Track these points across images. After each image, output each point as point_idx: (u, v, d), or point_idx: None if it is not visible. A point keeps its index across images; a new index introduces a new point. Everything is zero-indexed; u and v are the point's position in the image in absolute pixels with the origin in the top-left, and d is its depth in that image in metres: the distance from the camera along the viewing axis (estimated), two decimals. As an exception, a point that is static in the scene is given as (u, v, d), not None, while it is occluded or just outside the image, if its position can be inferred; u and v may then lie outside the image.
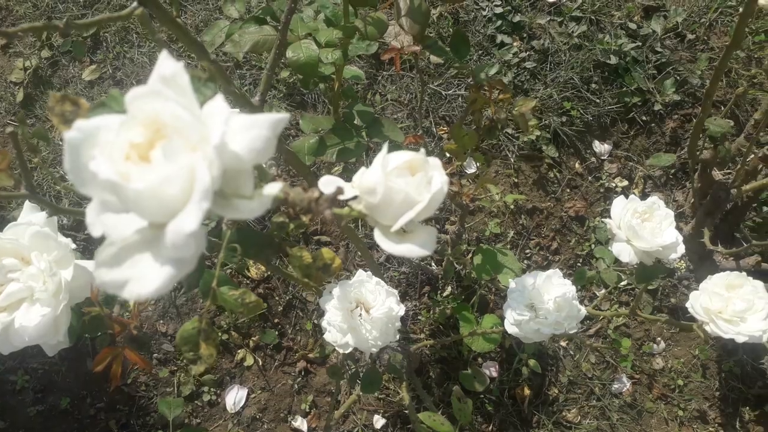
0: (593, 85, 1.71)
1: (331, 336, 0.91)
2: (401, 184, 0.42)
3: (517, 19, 1.75)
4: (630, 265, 1.43)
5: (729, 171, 1.49)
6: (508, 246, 1.59)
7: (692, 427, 1.50)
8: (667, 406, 1.52)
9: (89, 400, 1.43)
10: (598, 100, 1.70)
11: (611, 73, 1.72)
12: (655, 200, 0.93)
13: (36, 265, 0.62)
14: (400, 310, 0.92)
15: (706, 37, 1.77)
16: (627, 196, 0.95)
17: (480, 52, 1.73)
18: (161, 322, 1.48)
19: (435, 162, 0.44)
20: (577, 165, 1.69)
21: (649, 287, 1.56)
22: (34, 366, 1.44)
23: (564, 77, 1.70)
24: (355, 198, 0.45)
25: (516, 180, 1.65)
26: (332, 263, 0.56)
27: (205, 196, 0.29)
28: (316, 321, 1.51)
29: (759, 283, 0.87)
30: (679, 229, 0.93)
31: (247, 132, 0.33)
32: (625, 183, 1.69)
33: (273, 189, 0.34)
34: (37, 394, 1.42)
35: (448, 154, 1.04)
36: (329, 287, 0.94)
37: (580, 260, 1.62)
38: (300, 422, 1.44)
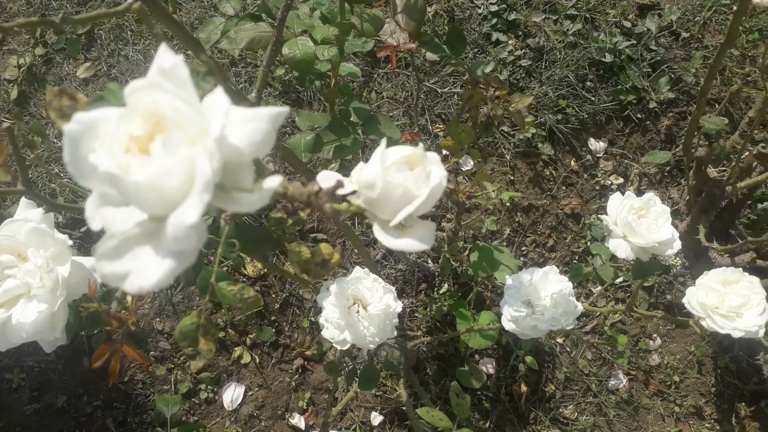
0: (588, 83, 1.71)
1: (328, 333, 0.91)
2: (400, 179, 0.42)
3: (512, 17, 1.76)
4: (626, 262, 1.44)
5: (724, 168, 1.50)
6: (505, 243, 1.59)
7: (688, 423, 1.51)
8: (664, 402, 1.53)
9: (86, 398, 1.42)
10: (593, 98, 1.71)
11: (606, 71, 1.73)
12: (652, 197, 0.93)
13: (33, 262, 0.62)
14: (398, 306, 0.92)
15: (700, 36, 1.78)
16: (623, 194, 0.96)
17: (475, 50, 1.74)
18: (158, 319, 1.48)
19: (433, 157, 0.45)
20: (572, 163, 1.69)
21: (645, 284, 1.56)
22: (30, 364, 1.43)
23: (559, 75, 1.70)
24: (353, 193, 0.45)
25: (512, 177, 1.65)
26: (331, 258, 0.56)
27: (206, 188, 0.29)
28: (313, 318, 1.51)
29: (755, 279, 0.88)
30: (674, 226, 0.94)
31: (247, 125, 0.33)
32: (621, 180, 1.69)
33: (273, 182, 0.34)
34: (34, 392, 1.42)
35: (444, 151, 1.04)
36: (326, 284, 0.94)
37: (576, 257, 1.62)
38: (297, 419, 1.44)
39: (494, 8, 1.75)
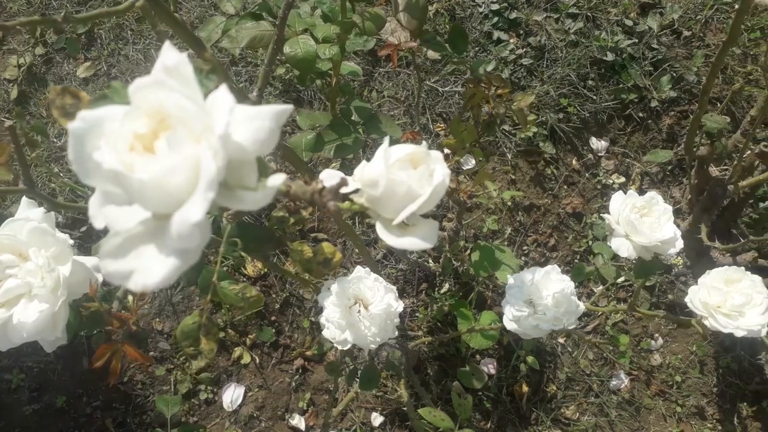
0: (590, 82, 1.71)
1: (329, 333, 0.90)
2: (403, 177, 0.42)
3: (513, 15, 1.75)
4: (628, 261, 1.44)
5: (726, 167, 1.50)
6: (506, 243, 1.59)
7: (690, 423, 1.51)
8: (665, 402, 1.53)
9: (85, 399, 1.42)
10: (594, 97, 1.70)
11: (608, 70, 1.73)
12: (654, 195, 0.93)
13: (34, 261, 0.62)
14: (399, 306, 0.92)
15: (702, 34, 1.78)
16: (625, 193, 0.96)
17: (476, 48, 1.73)
18: (157, 319, 1.48)
19: (437, 155, 0.44)
20: (574, 162, 1.69)
21: (647, 284, 1.56)
22: (29, 364, 1.43)
23: (561, 74, 1.70)
24: (356, 191, 0.44)
25: (513, 177, 1.65)
26: (333, 257, 0.55)
27: (210, 186, 0.29)
28: (313, 318, 1.50)
29: (757, 278, 0.87)
30: (676, 225, 0.93)
31: (251, 122, 0.33)
32: (622, 180, 1.69)
33: (277, 180, 0.34)
34: (33, 392, 1.42)
35: (445, 150, 1.04)
36: (327, 284, 0.93)
37: (578, 257, 1.62)
38: (297, 420, 1.44)
39: (495, 7, 1.75)
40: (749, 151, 1.31)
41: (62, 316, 0.63)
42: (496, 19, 1.74)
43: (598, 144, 1.70)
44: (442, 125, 1.68)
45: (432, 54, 1.70)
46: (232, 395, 1.44)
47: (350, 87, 1.13)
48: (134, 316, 0.62)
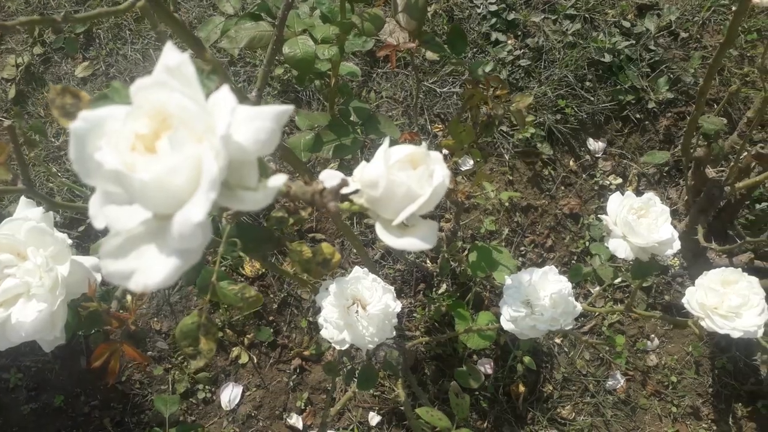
0: (587, 83, 1.71)
1: (327, 333, 0.91)
2: (403, 178, 0.42)
3: (511, 16, 1.76)
4: (625, 262, 1.44)
5: (722, 168, 1.50)
6: (503, 243, 1.59)
7: (686, 423, 1.51)
8: (661, 402, 1.53)
9: (83, 398, 1.42)
10: (592, 98, 1.71)
11: (605, 71, 1.73)
12: (651, 196, 0.93)
13: (32, 261, 0.62)
14: (397, 306, 0.92)
15: (699, 36, 1.78)
16: (622, 194, 0.96)
17: (474, 49, 1.74)
18: (155, 319, 1.48)
19: (436, 156, 0.44)
20: (571, 163, 1.70)
21: (643, 285, 1.57)
22: (27, 364, 1.43)
23: (558, 75, 1.71)
24: (356, 192, 0.45)
25: (511, 177, 1.66)
26: (332, 258, 0.56)
27: (212, 186, 0.29)
28: (311, 318, 1.50)
29: (754, 279, 0.88)
30: (672, 226, 0.94)
31: (252, 123, 0.33)
32: (619, 181, 1.70)
33: (278, 181, 0.34)
34: (31, 392, 1.41)
35: (444, 151, 1.04)
36: (325, 284, 0.94)
37: (575, 257, 1.62)
38: (295, 419, 1.44)
39: (493, 8, 1.75)
40: (746, 153, 1.32)
41: (61, 316, 0.63)
42: (494, 20, 1.75)
43: (595, 145, 1.71)
44: (440, 126, 1.69)
45: (430, 55, 1.70)
46: (230, 395, 1.44)
47: (349, 87, 1.13)
48: (133, 316, 0.63)
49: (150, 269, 0.30)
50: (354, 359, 1.44)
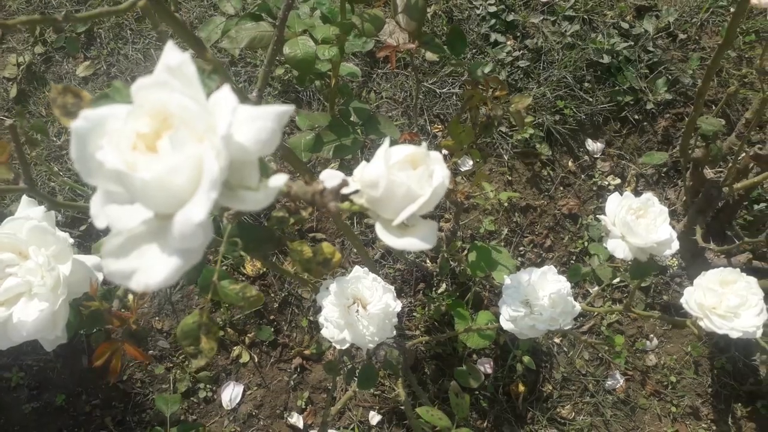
0: (586, 84, 1.72)
1: (328, 332, 0.91)
2: (403, 178, 0.42)
3: (510, 18, 1.76)
4: (624, 262, 1.44)
5: (720, 169, 1.50)
6: (502, 243, 1.60)
7: (685, 423, 1.51)
8: (660, 402, 1.53)
9: (84, 397, 1.42)
10: (590, 99, 1.71)
11: (604, 72, 1.73)
12: (650, 197, 0.94)
13: (34, 260, 0.62)
14: (397, 306, 0.92)
15: (697, 37, 1.79)
16: (620, 194, 0.96)
17: (474, 50, 1.74)
18: (156, 318, 1.48)
19: (436, 156, 0.45)
20: (570, 163, 1.70)
21: (642, 285, 1.57)
22: (28, 363, 1.43)
23: (557, 76, 1.71)
24: (356, 192, 0.45)
25: (510, 178, 1.66)
26: (333, 257, 0.56)
27: (213, 185, 0.29)
28: (312, 317, 1.51)
29: (752, 279, 0.88)
30: (671, 226, 0.94)
31: (253, 123, 0.33)
32: (618, 181, 1.70)
33: (279, 181, 0.34)
34: (32, 391, 1.42)
35: (444, 151, 1.04)
36: (326, 283, 0.94)
37: (573, 257, 1.63)
38: (296, 419, 1.44)
39: (492, 9, 1.76)
40: (744, 154, 1.32)
41: (62, 315, 0.63)
42: (493, 21, 1.75)
43: (593, 146, 1.71)
44: (439, 126, 1.69)
45: (430, 56, 1.70)
46: (231, 394, 1.44)
47: (349, 88, 1.14)
48: (134, 315, 0.63)
49: (151, 269, 0.30)
50: (354, 358, 1.44)
